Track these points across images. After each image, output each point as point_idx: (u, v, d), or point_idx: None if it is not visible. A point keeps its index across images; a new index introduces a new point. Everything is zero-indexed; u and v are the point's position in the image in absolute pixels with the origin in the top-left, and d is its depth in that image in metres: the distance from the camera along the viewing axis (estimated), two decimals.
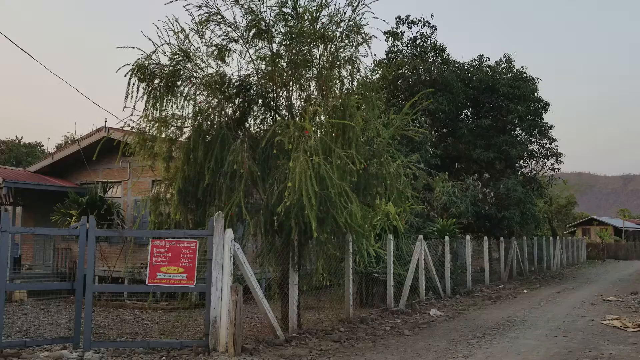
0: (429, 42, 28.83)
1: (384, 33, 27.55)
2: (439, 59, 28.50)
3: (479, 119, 27.44)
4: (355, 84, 10.83)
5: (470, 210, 21.33)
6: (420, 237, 15.47)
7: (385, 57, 28.68)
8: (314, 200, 8.46)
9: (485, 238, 21.78)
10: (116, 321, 12.23)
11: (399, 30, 28.68)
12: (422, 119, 24.14)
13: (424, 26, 28.71)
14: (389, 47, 28.89)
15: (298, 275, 10.38)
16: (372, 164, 10.73)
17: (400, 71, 26.86)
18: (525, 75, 27.42)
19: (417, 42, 28.88)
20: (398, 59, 28.16)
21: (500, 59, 28.51)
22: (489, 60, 28.59)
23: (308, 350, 8.96)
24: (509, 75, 27.57)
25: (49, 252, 18.78)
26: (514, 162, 27.48)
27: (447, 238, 17.61)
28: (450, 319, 12.89)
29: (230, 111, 10.73)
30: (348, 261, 11.94)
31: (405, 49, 29.01)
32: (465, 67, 28.15)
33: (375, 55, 37.31)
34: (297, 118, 9.88)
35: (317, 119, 10.29)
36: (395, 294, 13.91)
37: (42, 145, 46.31)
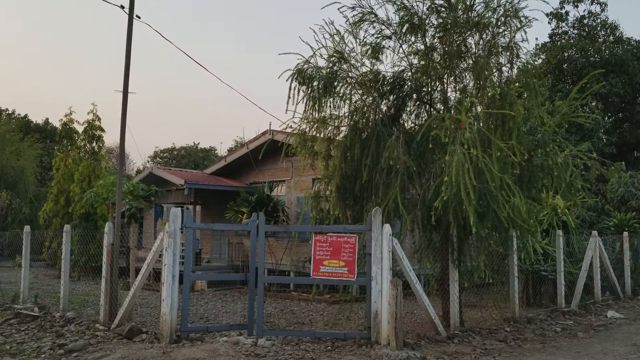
0: (598, 21, 26.36)
1: (547, 15, 25.74)
2: (611, 37, 25.89)
3: None
4: (514, 71, 10.33)
5: None
6: (594, 232, 14.23)
7: (549, 40, 26.79)
8: (473, 194, 8.21)
9: None
10: (284, 311, 13.02)
11: (563, 11, 26.62)
12: (593, 104, 22.15)
13: (592, 4, 26.34)
14: (552, 30, 26.96)
15: (458, 272, 10.16)
16: (537, 155, 10.12)
17: (565, 54, 24.90)
18: None
19: (585, 21, 26.56)
20: (563, 41, 26.13)
21: None
22: None
23: (471, 349, 8.74)
24: None
25: (224, 247, 20.60)
26: None
27: (625, 234, 15.97)
28: (632, 321, 11.70)
29: (384, 108, 10.85)
30: (512, 258, 11.40)
31: (571, 29, 26.84)
32: None
33: (537, 39, 34.81)
34: (453, 111, 9.67)
35: (474, 111, 9.98)
36: (566, 293, 12.97)
37: (216, 149, 50.75)
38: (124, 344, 8.68)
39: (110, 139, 61.09)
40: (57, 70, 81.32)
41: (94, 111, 23.66)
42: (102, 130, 23.85)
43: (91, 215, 21.47)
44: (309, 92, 10.45)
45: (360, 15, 10.40)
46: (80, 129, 24.00)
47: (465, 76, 10.46)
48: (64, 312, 10.98)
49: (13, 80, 78.23)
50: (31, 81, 79.42)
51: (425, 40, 10.41)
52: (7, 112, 42.58)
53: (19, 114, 43.47)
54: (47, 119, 44.49)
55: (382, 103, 10.81)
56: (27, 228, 13.37)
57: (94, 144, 23.81)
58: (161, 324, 8.72)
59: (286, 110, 10.47)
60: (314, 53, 10.43)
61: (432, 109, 10.82)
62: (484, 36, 10.10)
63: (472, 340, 9.30)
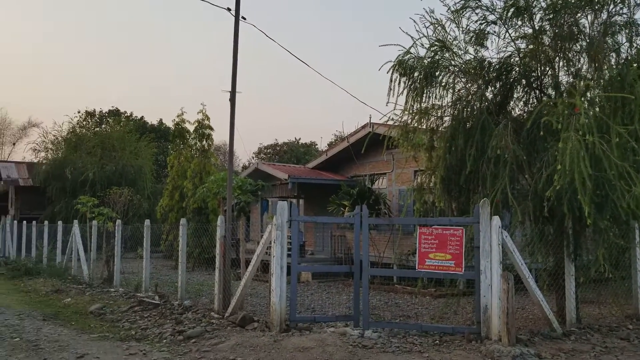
0: None
1: None
2: None
3: None
4: (634, 50, 9.57)
5: None
6: None
7: None
8: (589, 184, 7.74)
9: None
10: (389, 304, 13.02)
11: None
12: None
13: None
14: None
15: (574, 266, 9.62)
16: None
17: None
18: None
19: None
20: None
21: None
22: None
23: (590, 346, 8.26)
24: None
25: (326, 239, 20.94)
26: None
27: None
28: None
29: (490, 96, 10.50)
30: (634, 251, 10.61)
31: None
32: None
33: None
34: (565, 95, 9.15)
35: (589, 94, 9.37)
36: None
37: (316, 144, 51.56)
38: (237, 331, 9.10)
39: (217, 136, 64.11)
40: (169, 71, 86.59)
41: (203, 111, 24.86)
42: (211, 129, 25.01)
43: (203, 210, 22.60)
44: (409, 83, 10.33)
45: (463, 2, 10.13)
46: (191, 128, 25.33)
47: (579, 58, 9.86)
48: (181, 301, 11.73)
49: (130, 84, 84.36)
50: (145, 84, 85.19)
51: (533, 23, 9.93)
52: (126, 115, 45.96)
53: (136, 116, 46.81)
54: (161, 119, 47.52)
55: (488, 91, 10.46)
56: (147, 222, 14.39)
57: (204, 142, 25.03)
58: (271, 313, 9.05)
59: (387, 103, 10.45)
60: (414, 43, 10.30)
61: (542, 94, 10.31)
62: (600, 15, 9.45)
63: (591, 337, 8.79)
